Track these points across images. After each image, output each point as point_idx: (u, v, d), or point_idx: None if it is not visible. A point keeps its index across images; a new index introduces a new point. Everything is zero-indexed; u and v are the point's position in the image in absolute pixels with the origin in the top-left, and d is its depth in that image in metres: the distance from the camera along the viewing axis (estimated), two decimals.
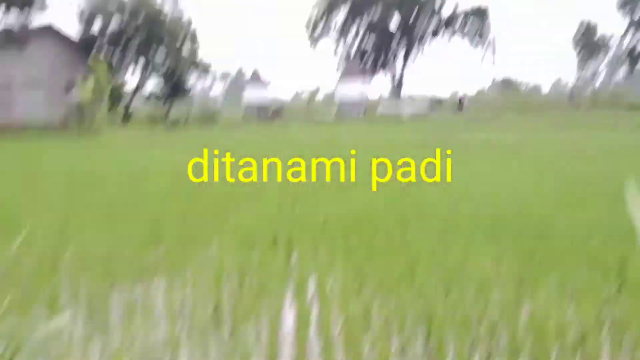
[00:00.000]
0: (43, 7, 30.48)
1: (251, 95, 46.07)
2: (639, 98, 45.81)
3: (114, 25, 36.11)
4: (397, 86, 57.03)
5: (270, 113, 44.42)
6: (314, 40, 56.63)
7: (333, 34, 56.88)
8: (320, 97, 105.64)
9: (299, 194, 6.26)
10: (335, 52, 57.43)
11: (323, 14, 55.45)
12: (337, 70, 55.57)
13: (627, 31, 48.29)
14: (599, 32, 52.11)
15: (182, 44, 38.09)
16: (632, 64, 49.30)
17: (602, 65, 52.99)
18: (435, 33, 56.46)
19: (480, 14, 53.43)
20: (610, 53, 52.03)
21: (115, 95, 32.04)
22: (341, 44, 57.35)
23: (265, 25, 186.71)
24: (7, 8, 30.02)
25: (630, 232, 2.61)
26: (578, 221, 4.66)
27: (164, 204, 5.87)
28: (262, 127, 28.32)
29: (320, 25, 56.21)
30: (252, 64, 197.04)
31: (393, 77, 56.97)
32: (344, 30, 56.81)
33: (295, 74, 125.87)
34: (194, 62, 38.12)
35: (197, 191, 6.86)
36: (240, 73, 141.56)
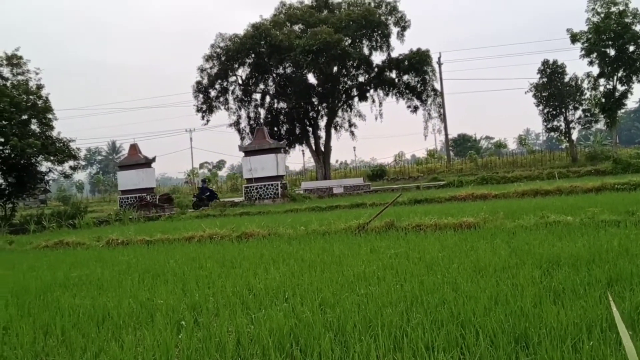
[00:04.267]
0: None
1: (129, 177, 44.88)
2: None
3: None
4: (323, 154, 57.70)
5: (158, 200, 43.36)
6: (206, 110, 56.76)
7: (231, 99, 57.41)
8: (223, 173, 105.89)
9: None
10: (238, 120, 57.92)
11: (217, 76, 55.80)
12: (242, 141, 55.72)
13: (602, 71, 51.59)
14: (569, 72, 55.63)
15: (30, 117, 36.87)
16: (610, 112, 52.26)
17: (577, 113, 55.73)
18: (366, 89, 58.17)
19: (421, 62, 55.54)
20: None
21: None
22: (244, 109, 58.00)
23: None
24: None
25: None
26: None
27: None
28: (144, 227, 27.17)
29: (214, 91, 56.56)
30: (128, 136, 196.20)
31: (317, 144, 57.68)
32: (247, 93, 57.47)
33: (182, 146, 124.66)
34: (48, 140, 36.78)
35: None
36: (113, 148, 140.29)
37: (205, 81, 56.05)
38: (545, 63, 56.21)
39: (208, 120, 57.57)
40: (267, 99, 58.83)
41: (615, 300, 6.05)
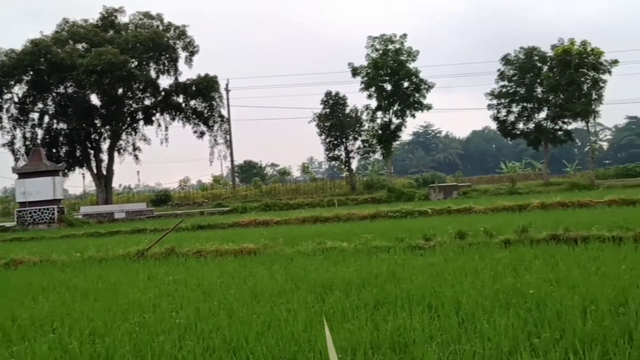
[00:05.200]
0: None
1: None
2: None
3: None
4: (105, 178, 55.72)
5: None
6: None
7: (5, 118, 53.78)
8: None
9: None
10: (12, 140, 54.29)
11: None
12: (16, 162, 52.26)
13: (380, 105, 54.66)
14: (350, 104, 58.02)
15: None
16: (386, 144, 55.48)
17: (357, 143, 58.25)
18: (152, 113, 57.14)
19: (209, 87, 55.64)
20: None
21: None
22: (19, 128, 54.52)
23: None
24: None
25: None
26: None
27: None
28: None
29: None
30: None
31: (98, 167, 55.61)
32: (23, 112, 54.17)
33: None
34: None
35: None
36: None
37: None
38: (328, 94, 58.39)
39: None
40: (46, 118, 55.73)
41: (377, 322, 6.36)
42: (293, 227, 22.68)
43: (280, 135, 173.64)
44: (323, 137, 58.28)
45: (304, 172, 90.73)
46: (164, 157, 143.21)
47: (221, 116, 58.29)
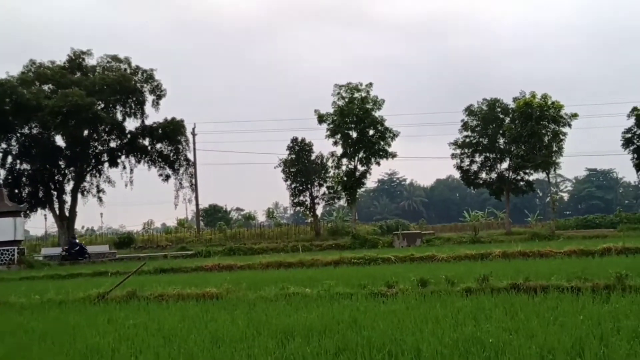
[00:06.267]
0: None
1: None
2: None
3: None
4: (68, 219, 54.95)
5: None
6: None
7: None
8: None
9: None
10: None
11: None
12: None
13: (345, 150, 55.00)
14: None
15: None
16: (351, 190, 55.73)
17: (322, 189, 58.33)
18: (117, 155, 56.76)
19: (175, 131, 55.58)
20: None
21: None
22: None
23: None
24: None
25: None
26: None
27: None
28: None
29: None
30: None
31: (61, 208, 54.86)
32: None
33: None
34: None
35: None
36: None
37: None
38: (294, 140, 58.62)
39: None
40: (9, 159, 54.96)
41: None
42: (257, 272, 22.57)
43: (246, 180, 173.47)
44: (289, 182, 58.33)
45: (269, 217, 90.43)
46: (128, 200, 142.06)
47: (187, 160, 58.09)
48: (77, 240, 46.90)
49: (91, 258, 43.85)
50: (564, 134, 52.82)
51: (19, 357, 7.92)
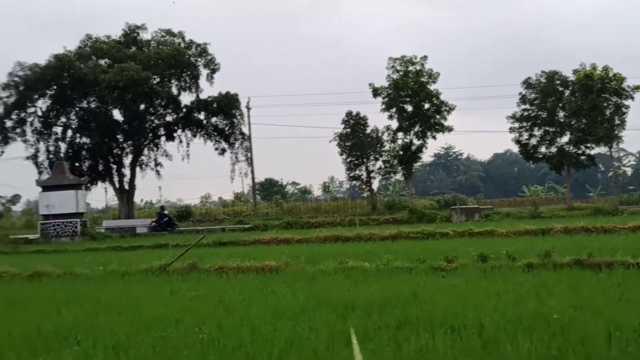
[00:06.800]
0: None
1: None
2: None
3: None
4: (127, 192, 56.15)
5: None
6: (1, 141, 53.31)
7: (29, 131, 54.37)
8: (18, 208, 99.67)
9: None
10: (36, 153, 54.84)
11: (14, 106, 52.72)
12: (40, 175, 52.80)
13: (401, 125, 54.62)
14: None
15: None
16: (407, 165, 55.39)
17: (378, 163, 58.11)
18: (174, 129, 57.56)
19: (230, 105, 55.99)
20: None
21: None
22: (43, 142, 55.10)
23: None
24: None
25: None
26: None
27: None
28: None
29: (10, 121, 53.34)
30: None
31: (120, 182, 56.05)
32: (47, 125, 54.78)
33: None
34: None
35: None
36: None
37: (0, 110, 52.77)
38: (349, 114, 58.43)
39: (3, 152, 54.04)
40: (69, 133, 56.20)
41: (400, 342, 6.39)
42: (314, 246, 22.72)
43: (301, 154, 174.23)
44: (344, 156, 58.22)
45: (324, 191, 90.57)
46: (185, 173, 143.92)
47: (242, 134, 58.51)
48: (166, 212, 48.05)
49: (178, 229, 44.77)
50: (627, 107, 51.39)
51: (87, 326, 8.16)
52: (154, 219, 47.50)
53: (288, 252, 16.88)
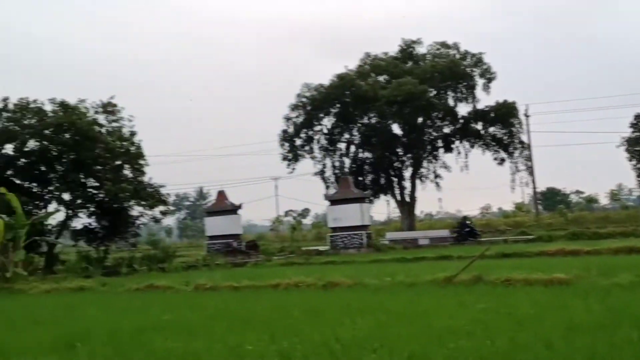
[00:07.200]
0: None
1: (216, 223, 45.71)
2: None
3: (32, 143, 36.32)
4: (408, 205, 57.41)
5: (244, 247, 43.91)
6: (291, 158, 57.52)
7: (316, 148, 57.97)
8: (308, 222, 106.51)
9: None
10: (323, 169, 58.34)
11: (302, 125, 56.64)
12: (327, 190, 56.03)
13: None
14: None
15: (124, 163, 38.33)
16: None
17: None
18: (451, 140, 57.82)
19: (508, 114, 54.92)
20: None
21: (36, 233, 31.56)
22: (328, 158, 58.46)
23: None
24: None
25: None
26: None
27: None
28: (231, 273, 27.50)
29: (299, 140, 57.40)
30: (215, 183, 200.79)
31: (401, 194, 57.47)
32: (332, 142, 58.00)
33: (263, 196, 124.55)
34: (139, 185, 38.00)
35: None
36: (200, 194, 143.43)
37: (291, 130, 56.92)
38: (638, 117, 54.65)
39: (294, 169, 58.34)
40: (352, 148, 59.08)
41: None
42: (605, 258, 21.42)
43: (584, 161, 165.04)
44: (634, 162, 54.45)
45: (612, 200, 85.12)
46: (464, 184, 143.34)
47: (521, 142, 57.11)
48: (468, 222, 48.88)
49: (480, 238, 45.21)
50: None
51: (381, 335, 8.49)
52: (455, 228, 48.18)
53: (577, 264, 16.13)
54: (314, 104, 54.95)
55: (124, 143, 38.55)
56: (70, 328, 11.24)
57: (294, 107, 56.31)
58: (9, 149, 36.48)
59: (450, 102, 56.68)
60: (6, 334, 11.14)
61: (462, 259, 22.30)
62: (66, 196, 37.72)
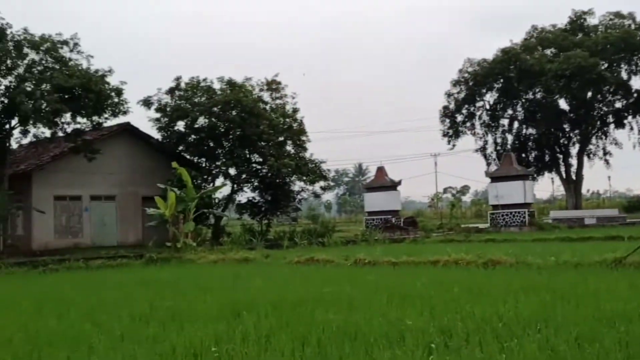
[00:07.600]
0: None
1: (375, 199, 46.03)
2: None
3: (202, 120, 38.10)
4: (574, 183, 55.12)
5: (402, 223, 43.96)
6: (452, 134, 56.76)
7: (478, 124, 56.92)
8: (467, 199, 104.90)
9: None
10: (484, 145, 57.26)
11: (464, 101, 55.72)
12: (488, 167, 54.90)
13: None
14: None
15: (286, 139, 39.40)
16: None
17: None
18: (623, 116, 54.80)
19: None
20: None
21: (204, 206, 33.16)
22: (490, 134, 57.29)
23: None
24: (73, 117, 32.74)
25: None
26: None
27: None
28: (389, 248, 27.55)
29: (460, 116, 56.56)
30: (374, 159, 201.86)
31: (567, 172, 55.24)
32: (494, 118, 56.67)
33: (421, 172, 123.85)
34: (301, 161, 38.92)
35: None
36: (359, 170, 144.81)
37: (452, 106, 56.11)
38: None
39: (454, 145, 57.60)
40: (515, 124, 57.55)
41: None
42: None
43: None
44: None
45: None
46: (636, 162, 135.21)
47: None
48: None
49: None
50: None
51: (545, 316, 8.19)
52: None
53: None
54: (477, 79, 53.89)
55: (287, 120, 39.72)
56: (236, 297, 11.70)
57: (456, 83, 55.50)
58: (180, 125, 38.57)
59: (624, 75, 53.55)
60: (178, 300, 11.78)
61: (633, 240, 21.11)
62: (232, 171, 39.44)
